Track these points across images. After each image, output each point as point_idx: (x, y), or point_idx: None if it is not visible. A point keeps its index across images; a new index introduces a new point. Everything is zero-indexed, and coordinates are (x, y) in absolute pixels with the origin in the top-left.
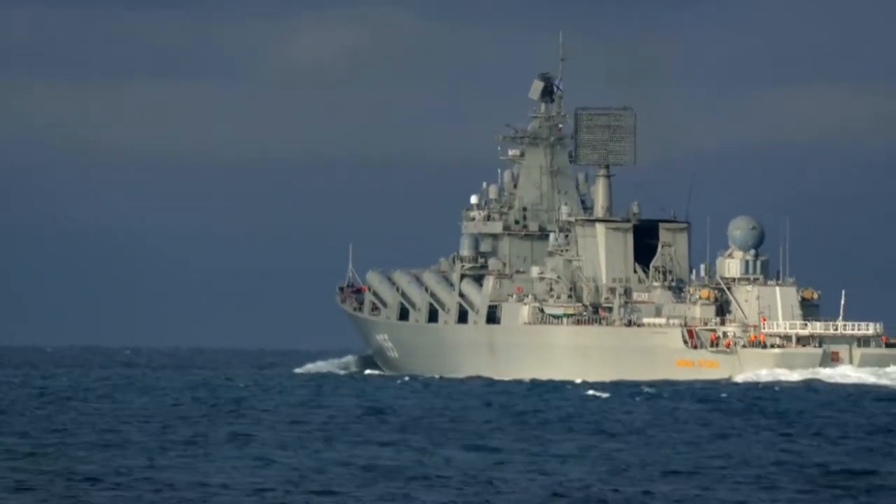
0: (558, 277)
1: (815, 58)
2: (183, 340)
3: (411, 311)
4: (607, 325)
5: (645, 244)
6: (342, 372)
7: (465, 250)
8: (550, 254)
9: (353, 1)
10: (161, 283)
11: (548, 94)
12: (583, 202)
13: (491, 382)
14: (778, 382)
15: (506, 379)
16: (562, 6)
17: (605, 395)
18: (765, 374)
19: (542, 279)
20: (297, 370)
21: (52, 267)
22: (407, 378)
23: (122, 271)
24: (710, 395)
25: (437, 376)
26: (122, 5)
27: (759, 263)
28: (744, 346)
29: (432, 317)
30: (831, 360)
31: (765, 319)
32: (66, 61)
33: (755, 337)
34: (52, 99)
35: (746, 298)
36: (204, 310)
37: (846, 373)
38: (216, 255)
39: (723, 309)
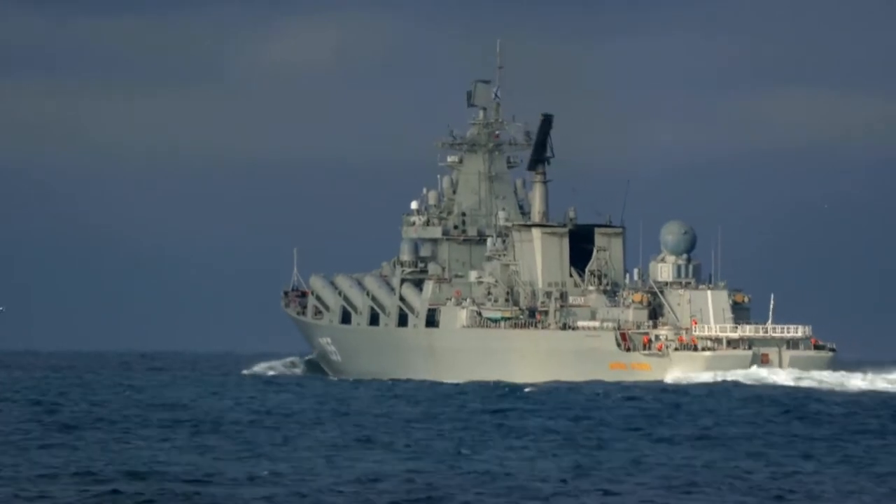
0: (496, 281)
1: (754, 63)
2: (124, 344)
3: (353, 314)
4: (543, 328)
5: (581, 248)
6: (296, 372)
7: (406, 255)
8: (488, 258)
9: (300, 8)
10: (104, 284)
11: (485, 101)
12: (521, 207)
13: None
14: (696, 385)
15: (446, 381)
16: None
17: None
18: (694, 377)
19: (480, 283)
20: (245, 371)
21: None
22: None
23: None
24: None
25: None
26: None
27: (691, 267)
28: (675, 349)
29: (374, 320)
30: (761, 362)
31: (696, 322)
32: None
33: (683, 339)
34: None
35: (679, 302)
36: (147, 312)
37: (768, 375)
38: (165, 255)
39: (656, 312)
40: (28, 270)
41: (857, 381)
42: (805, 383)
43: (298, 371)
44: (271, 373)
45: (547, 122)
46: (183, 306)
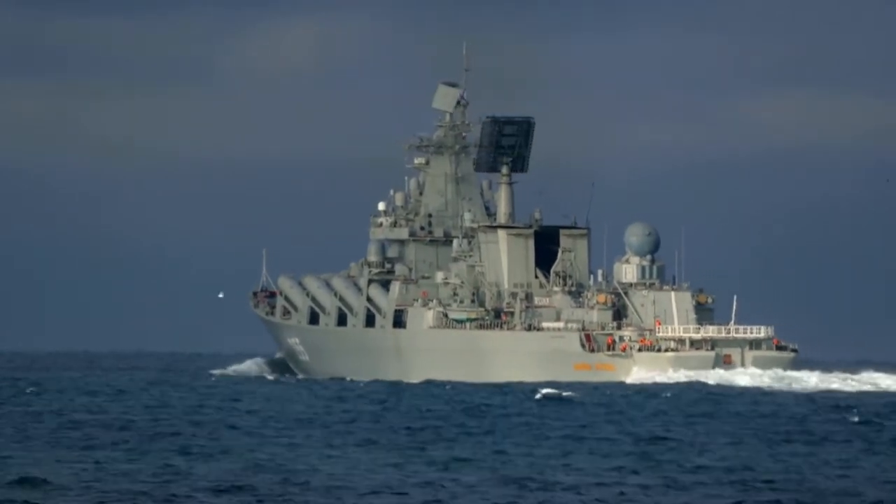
0: (462, 282)
1: (723, 63)
2: (93, 344)
3: (321, 315)
4: (509, 329)
5: (546, 250)
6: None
7: (373, 256)
8: (455, 259)
9: (275, 10)
10: (69, 284)
11: (452, 103)
12: (487, 209)
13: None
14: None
15: (413, 381)
16: (467, 16)
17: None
18: (657, 377)
19: (446, 284)
20: (214, 372)
21: None
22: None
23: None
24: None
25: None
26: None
27: (654, 269)
28: (639, 350)
29: (341, 321)
30: (724, 362)
31: (660, 323)
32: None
33: (645, 340)
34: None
35: (643, 303)
36: (116, 312)
37: (731, 376)
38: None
39: (620, 313)
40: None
41: (815, 381)
42: (765, 383)
43: (266, 372)
44: (230, 372)
45: (528, 125)
46: (157, 306)
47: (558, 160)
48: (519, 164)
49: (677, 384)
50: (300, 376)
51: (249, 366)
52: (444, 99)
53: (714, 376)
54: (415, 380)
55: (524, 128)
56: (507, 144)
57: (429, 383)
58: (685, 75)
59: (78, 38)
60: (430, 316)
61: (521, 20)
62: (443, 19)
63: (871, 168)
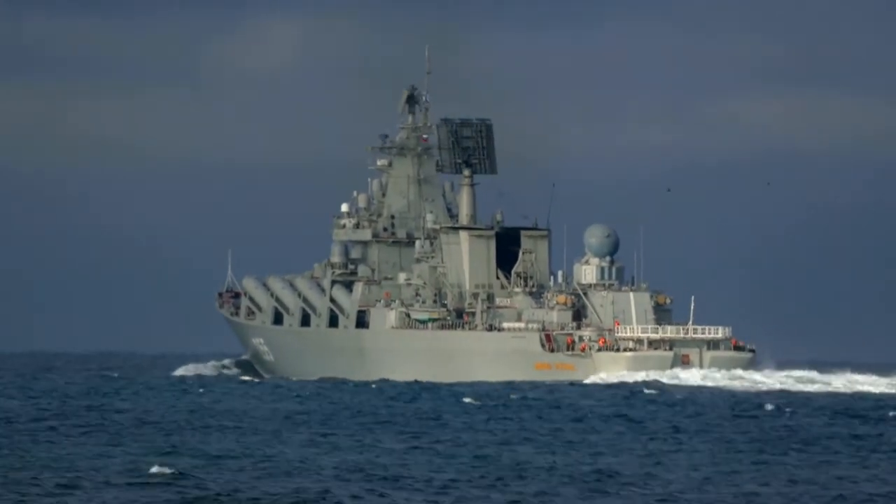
0: (424, 283)
1: (682, 63)
2: (56, 344)
3: (285, 315)
4: (470, 329)
5: (507, 251)
6: (229, 372)
7: (336, 257)
8: (417, 260)
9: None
10: (36, 284)
11: (414, 105)
12: (449, 210)
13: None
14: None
15: (373, 380)
16: (431, 18)
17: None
18: (615, 377)
19: (408, 285)
20: (175, 372)
21: None
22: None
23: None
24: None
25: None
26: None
27: (614, 270)
28: (598, 350)
29: (305, 321)
30: (682, 362)
31: (619, 324)
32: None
33: (604, 340)
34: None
35: (602, 304)
36: (83, 312)
37: (686, 376)
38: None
39: (580, 314)
40: None
41: (765, 378)
42: (723, 383)
43: (229, 372)
44: (195, 372)
45: (486, 127)
46: (125, 307)
47: (520, 162)
48: (485, 166)
49: (635, 383)
50: (267, 376)
51: (208, 366)
52: (411, 102)
53: (670, 375)
54: (375, 379)
55: (481, 130)
56: (467, 146)
57: (384, 381)
58: (647, 76)
59: (51, 37)
60: (392, 316)
61: (487, 20)
62: (408, 20)
63: (829, 169)
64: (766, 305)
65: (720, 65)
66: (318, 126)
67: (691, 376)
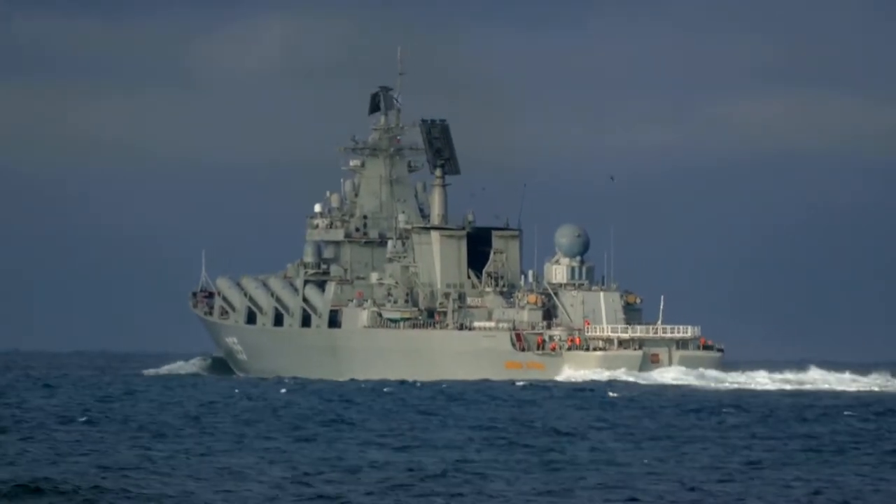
0: (396, 283)
1: (650, 63)
2: (29, 343)
3: (258, 315)
4: (441, 328)
5: (478, 251)
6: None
7: (309, 257)
8: (389, 260)
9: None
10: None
11: (387, 106)
12: (421, 210)
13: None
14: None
15: (344, 380)
16: (404, 18)
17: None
18: (584, 375)
19: (380, 284)
20: (147, 371)
21: None
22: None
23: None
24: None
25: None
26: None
27: (584, 269)
28: (568, 349)
29: (278, 320)
30: (651, 361)
31: (588, 323)
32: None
33: (572, 339)
34: None
35: (572, 303)
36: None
37: (656, 375)
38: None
39: (550, 313)
40: None
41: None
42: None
43: (202, 371)
44: (167, 371)
45: (436, 127)
46: (99, 306)
47: (492, 162)
48: (451, 166)
49: (599, 382)
50: (241, 375)
51: (181, 365)
52: (383, 103)
53: (639, 375)
54: (347, 378)
55: (441, 130)
56: (438, 147)
57: (352, 381)
58: (616, 76)
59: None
60: (364, 316)
61: (460, 19)
62: (381, 20)
63: (797, 170)
64: (735, 305)
65: (717, 64)
66: (293, 126)
67: (660, 376)
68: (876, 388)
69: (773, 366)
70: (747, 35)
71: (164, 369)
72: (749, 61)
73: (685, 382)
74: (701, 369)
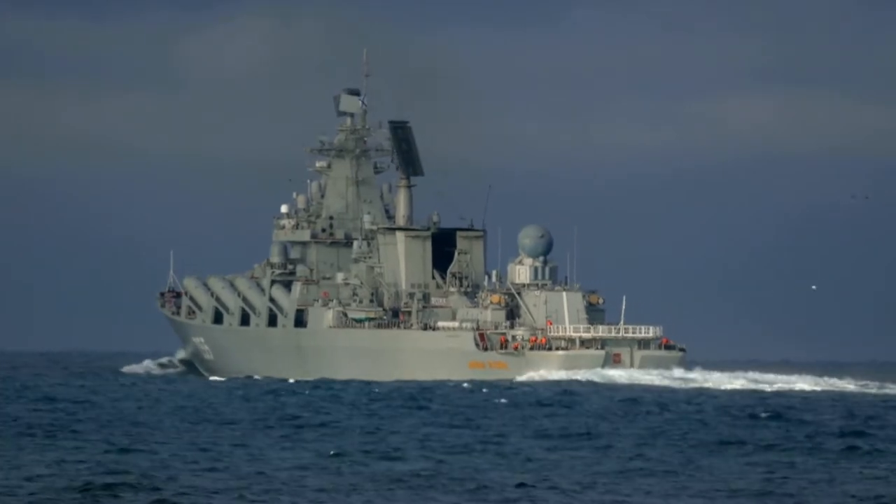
0: (361, 283)
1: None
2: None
3: (225, 314)
4: (406, 328)
5: (443, 251)
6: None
7: (275, 257)
8: (355, 260)
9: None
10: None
11: (353, 108)
12: (387, 211)
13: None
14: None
15: (311, 379)
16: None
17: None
18: (546, 375)
19: (346, 285)
20: (123, 369)
21: None
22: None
23: None
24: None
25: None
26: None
27: (547, 270)
28: (531, 349)
29: (245, 320)
30: (613, 361)
31: (551, 323)
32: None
33: (535, 339)
34: None
35: (535, 303)
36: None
37: (614, 374)
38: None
39: (513, 313)
40: None
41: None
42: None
43: (172, 370)
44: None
45: (400, 129)
46: (74, 306)
47: (457, 163)
48: (415, 168)
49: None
50: (211, 377)
51: (147, 366)
52: (349, 104)
53: (601, 375)
54: (314, 378)
55: (403, 132)
56: (404, 149)
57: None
58: (581, 75)
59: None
60: (329, 316)
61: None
62: (347, 21)
63: (762, 167)
64: (697, 305)
65: (711, 65)
66: (260, 127)
67: (618, 375)
68: (830, 388)
69: (737, 366)
70: (727, 35)
71: (138, 367)
72: (738, 63)
73: (642, 382)
74: (661, 369)
